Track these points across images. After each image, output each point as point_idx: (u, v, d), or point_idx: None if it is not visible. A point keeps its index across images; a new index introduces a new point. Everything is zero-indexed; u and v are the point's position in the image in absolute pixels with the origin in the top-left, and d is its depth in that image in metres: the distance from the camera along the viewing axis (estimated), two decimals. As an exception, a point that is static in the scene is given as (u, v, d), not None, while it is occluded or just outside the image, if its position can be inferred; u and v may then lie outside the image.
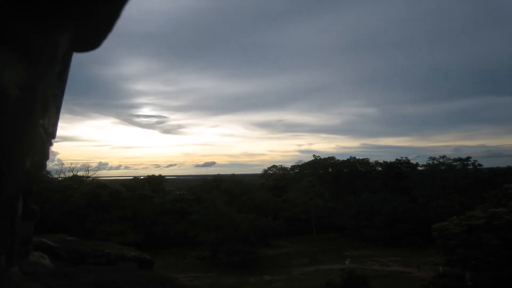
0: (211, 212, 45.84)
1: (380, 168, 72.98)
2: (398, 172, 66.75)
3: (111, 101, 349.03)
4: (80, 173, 61.76)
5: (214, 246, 42.43)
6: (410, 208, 51.49)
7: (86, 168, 64.93)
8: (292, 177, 75.64)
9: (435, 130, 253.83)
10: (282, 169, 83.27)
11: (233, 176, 71.80)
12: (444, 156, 64.09)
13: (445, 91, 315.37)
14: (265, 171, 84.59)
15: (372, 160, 78.13)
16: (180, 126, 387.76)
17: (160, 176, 68.24)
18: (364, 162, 77.55)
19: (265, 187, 70.67)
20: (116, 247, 5.27)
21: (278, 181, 75.49)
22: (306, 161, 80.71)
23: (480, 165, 62.20)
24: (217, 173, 74.73)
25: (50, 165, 64.25)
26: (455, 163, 62.45)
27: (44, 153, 2.71)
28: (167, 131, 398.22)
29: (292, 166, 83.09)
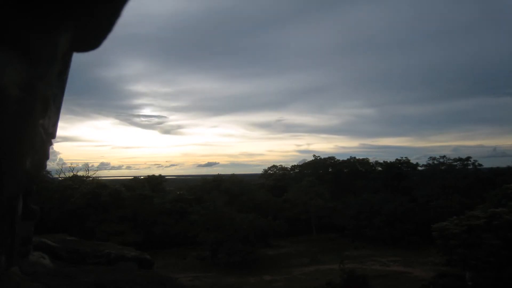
0: (211, 212, 45.84)
1: (380, 168, 72.99)
2: (398, 172, 66.75)
3: (112, 102, 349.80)
4: (80, 173, 61.84)
5: (214, 246, 42.43)
6: (410, 208, 51.48)
7: (87, 168, 64.97)
8: (292, 177, 75.63)
9: (434, 130, 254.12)
10: (282, 169, 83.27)
11: (233, 176, 71.79)
12: (444, 156, 64.16)
13: (444, 92, 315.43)
14: (265, 171, 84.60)
15: (371, 160, 78.35)
16: (179, 127, 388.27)
17: (160, 176, 68.25)
18: (364, 162, 77.57)
19: (265, 187, 70.67)
20: (116, 247, 5.27)
21: (278, 181, 75.49)
22: (306, 161, 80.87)
23: (480, 165, 62.24)
24: (217, 173, 74.82)
25: (52, 165, 64.29)
26: (455, 163, 62.46)
27: (44, 153, 2.71)
28: (167, 131, 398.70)
29: (292, 166, 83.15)
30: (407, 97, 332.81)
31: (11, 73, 1.30)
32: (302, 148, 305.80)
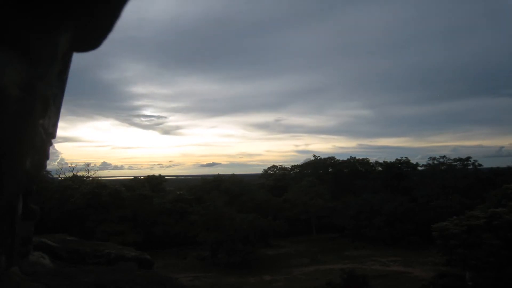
0: (211, 212, 45.84)
1: (380, 168, 72.98)
2: (398, 172, 66.75)
3: (112, 103, 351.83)
4: (80, 173, 61.82)
5: (214, 246, 42.43)
6: (410, 208, 51.47)
7: (87, 168, 64.93)
8: (292, 177, 75.64)
9: (432, 130, 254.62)
10: (282, 169, 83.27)
11: (233, 176, 71.78)
12: (444, 156, 64.15)
13: (443, 92, 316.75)
14: (265, 171, 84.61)
15: (371, 160, 78.36)
16: (179, 127, 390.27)
17: (160, 176, 68.21)
18: (364, 162, 77.59)
19: (265, 187, 70.67)
20: (116, 247, 5.27)
21: (278, 181, 75.50)
22: (306, 161, 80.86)
23: (480, 165, 62.21)
24: (217, 173, 74.80)
25: (54, 165, 64.37)
26: (455, 163, 62.44)
27: (44, 153, 2.71)
28: (166, 131, 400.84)
29: (292, 166, 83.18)
30: (405, 97, 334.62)
31: (11, 73, 1.30)
32: (301, 148, 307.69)
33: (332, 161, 76.97)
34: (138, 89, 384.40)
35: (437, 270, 33.23)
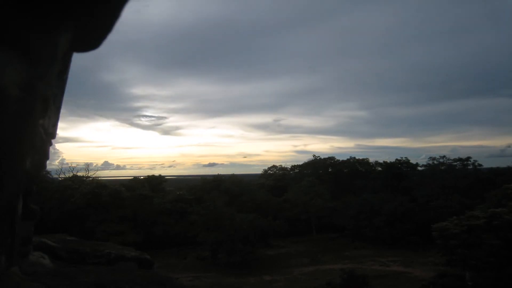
0: (211, 212, 45.83)
1: (380, 168, 72.98)
2: (398, 172, 66.74)
3: (113, 104, 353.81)
4: (80, 173, 61.80)
5: (214, 246, 42.42)
6: (410, 208, 51.45)
7: (87, 168, 64.92)
8: (292, 177, 75.62)
9: (430, 131, 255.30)
10: (282, 169, 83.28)
11: (233, 176, 71.76)
12: (444, 156, 64.16)
13: (440, 92, 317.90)
14: (265, 171, 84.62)
15: (370, 160, 78.35)
16: (179, 128, 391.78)
17: (160, 176, 68.19)
18: (364, 162, 77.58)
19: (265, 187, 70.64)
20: (116, 247, 5.26)
21: (278, 181, 75.47)
22: (306, 161, 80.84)
23: (480, 165, 62.22)
24: (217, 173, 74.78)
25: (55, 164, 64.44)
26: (455, 163, 62.44)
27: (44, 153, 2.71)
28: (166, 132, 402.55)
29: (292, 166, 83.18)
30: (403, 98, 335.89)
31: (11, 73, 1.30)
32: (299, 148, 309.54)
33: (332, 161, 76.95)
34: (138, 90, 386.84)
35: (437, 270, 33.21)
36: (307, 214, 57.71)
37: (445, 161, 63.37)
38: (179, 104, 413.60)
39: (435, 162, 63.97)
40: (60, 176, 60.03)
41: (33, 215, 3.12)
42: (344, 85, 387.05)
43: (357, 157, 78.42)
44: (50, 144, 3.00)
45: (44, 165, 2.79)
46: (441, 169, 61.94)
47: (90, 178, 60.11)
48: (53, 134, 2.98)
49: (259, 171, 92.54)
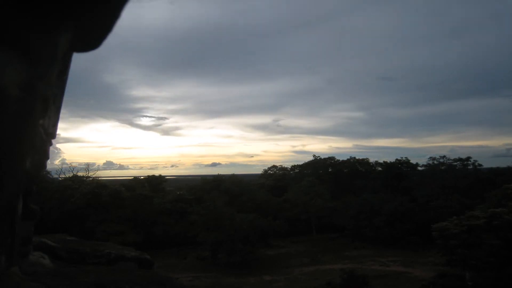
0: (211, 212, 45.82)
1: (380, 168, 72.97)
2: (398, 172, 66.73)
3: (113, 105, 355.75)
4: (80, 173, 61.80)
5: (214, 246, 42.41)
6: (410, 208, 51.45)
7: (87, 168, 64.89)
8: (292, 177, 75.62)
9: (428, 131, 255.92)
10: (282, 169, 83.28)
11: (233, 176, 71.76)
12: (444, 156, 64.16)
13: (438, 93, 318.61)
14: (265, 171, 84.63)
15: (370, 160, 78.31)
16: (178, 128, 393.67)
17: (160, 176, 68.19)
18: (364, 162, 77.57)
19: (265, 187, 70.64)
20: (116, 247, 5.26)
21: (278, 181, 75.48)
22: (306, 161, 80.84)
23: (480, 165, 62.22)
24: (216, 173, 74.78)
25: (56, 163, 64.57)
26: (455, 163, 62.43)
27: (44, 153, 2.71)
28: (166, 132, 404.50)
29: (292, 166, 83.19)
30: (401, 99, 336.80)
31: (11, 73, 1.30)
32: (298, 148, 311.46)
33: (332, 161, 76.93)
34: (138, 91, 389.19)
35: (437, 270, 33.22)
36: (307, 214, 57.71)
37: (445, 161, 63.38)
38: (179, 105, 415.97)
39: (435, 162, 63.98)
40: (60, 176, 60.06)
41: (33, 215, 3.12)
42: (342, 85, 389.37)
43: (356, 157, 78.53)
44: (50, 144, 3.00)
45: (44, 165, 2.79)
46: (441, 169, 61.95)
47: (90, 178, 60.12)
48: (53, 134, 2.98)
49: (259, 171, 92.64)
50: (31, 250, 3.52)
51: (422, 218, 47.59)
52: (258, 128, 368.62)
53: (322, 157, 78.24)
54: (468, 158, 61.66)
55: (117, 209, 47.65)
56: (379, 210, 51.12)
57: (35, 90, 1.49)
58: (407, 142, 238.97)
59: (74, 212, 47.12)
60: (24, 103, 1.42)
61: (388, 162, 70.98)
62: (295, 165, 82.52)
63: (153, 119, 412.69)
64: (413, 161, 70.27)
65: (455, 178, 56.52)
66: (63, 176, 60.01)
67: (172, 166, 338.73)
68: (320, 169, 74.90)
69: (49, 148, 2.92)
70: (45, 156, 2.78)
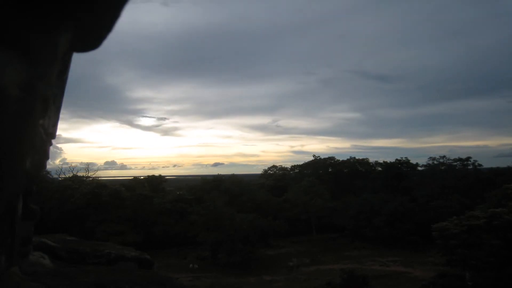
0: (211, 212, 45.81)
1: (380, 168, 72.95)
2: (398, 172, 66.71)
3: (114, 106, 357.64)
4: (80, 173, 61.79)
5: (214, 246, 42.41)
6: (410, 208, 51.44)
7: (87, 168, 64.88)
8: (292, 177, 75.59)
9: (427, 132, 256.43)
10: (282, 169, 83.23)
11: (233, 176, 71.74)
12: (444, 156, 64.14)
13: (437, 93, 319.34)
14: (265, 171, 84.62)
15: (370, 160, 78.28)
16: (178, 129, 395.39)
17: (160, 176, 68.19)
18: (364, 162, 77.54)
19: (265, 187, 70.62)
20: (116, 247, 5.26)
21: (278, 181, 75.45)
22: (306, 161, 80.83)
23: (480, 165, 62.20)
24: (216, 173, 74.79)
25: (58, 162, 64.65)
26: (455, 163, 62.41)
27: (44, 153, 2.71)
28: (166, 133, 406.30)
29: (292, 166, 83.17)
30: (399, 99, 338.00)
31: (11, 73, 1.30)
32: (296, 149, 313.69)
33: (332, 161, 76.90)
34: (138, 93, 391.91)
35: (437, 270, 33.21)
36: (307, 214, 57.68)
37: (445, 161, 63.36)
38: (179, 106, 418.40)
39: (435, 162, 63.96)
40: (60, 176, 60.04)
41: (33, 215, 3.12)
42: (340, 86, 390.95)
43: (356, 157, 78.50)
44: (50, 144, 3.00)
45: (44, 165, 2.79)
46: (441, 169, 61.93)
47: (90, 178, 60.12)
48: (53, 134, 2.98)
49: (259, 171, 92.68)
50: (31, 250, 3.51)
51: (422, 218, 47.57)
52: (257, 129, 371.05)
53: (321, 157, 78.30)
54: (468, 158, 61.66)
55: (117, 209, 47.65)
56: (379, 210, 51.10)
57: (35, 90, 1.49)
58: (405, 143, 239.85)
59: (74, 212, 47.12)
60: (24, 103, 1.42)
61: (388, 162, 71.02)
62: (295, 165, 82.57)
63: (153, 119, 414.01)
64: (412, 161, 70.40)
65: (455, 178, 56.51)
66: (63, 176, 60.02)
67: (174, 166, 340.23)
68: (320, 169, 74.88)
69: (49, 148, 2.92)
70: (45, 156, 2.78)
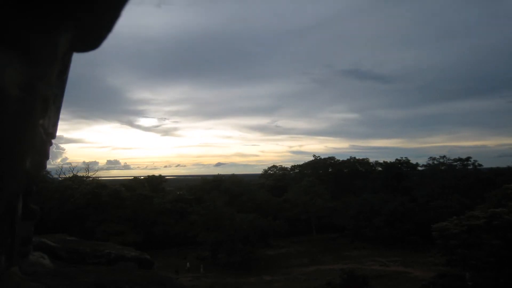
0: (211, 212, 45.80)
1: (380, 168, 72.93)
2: (398, 172, 66.69)
3: (114, 107, 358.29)
4: (80, 173, 61.75)
5: (214, 246, 42.40)
6: (410, 208, 51.42)
7: (87, 167, 64.84)
8: (292, 177, 75.59)
9: (425, 132, 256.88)
10: (282, 169, 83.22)
11: (233, 176, 71.74)
12: (444, 156, 64.11)
13: (436, 94, 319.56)
14: (265, 171, 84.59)
15: (370, 160, 78.24)
16: (178, 129, 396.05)
17: (160, 176, 68.17)
18: (364, 162, 77.52)
19: (265, 187, 70.62)
20: (116, 247, 5.26)
21: (278, 181, 75.45)
22: (305, 161, 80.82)
23: (480, 165, 62.17)
24: (216, 173, 74.77)
25: (59, 162, 64.69)
26: (455, 163, 62.39)
27: (44, 153, 2.71)
28: (166, 133, 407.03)
29: (292, 166, 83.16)
30: (397, 99, 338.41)
31: (11, 73, 1.30)
32: (295, 149, 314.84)
33: (332, 161, 76.87)
34: (138, 94, 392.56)
35: (437, 270, 33.19)
36: (307, 214, 57.68)
37: (445, 161, 63.34)
38: (178, 107, 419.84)
39: (435, 162, 63.94)
40: (60, 176, 60.02)
41: (33, 215, 3.12)
42: (338, 87, 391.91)
43: (356, 157, 78.47)
44: (50, 144, 3.00)
45: (44, 165, 2.79)
46: (441, 169, 61.90)
47: (90, 178, 60.09)
48: (53, 134, 2.98)
49: (259, 171, 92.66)
50: (31, 250, 3.51)
51: (422, 218, 47.55)
52: (256, 129, 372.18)
53: (321, 157, 78.28)
54: (468, 158, 61.63)
55: (117, 209, 47.64)
56: (379, 210, 51.09)
57: (35, 90, 1.49)
58: (404, 143, 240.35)
59: (74, 212, 47.10)
60: (24, 103, 1.42)
61: (388, 162, 70.98)
62: (295, 165, 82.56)
63: (153, 120, 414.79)
64: (412, 161, 70.39)
65: (455, 178, 56.49)
66: (63, 176, 60.00)
67: (177, 166, 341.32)
68: (320, 169, 74.86)
69: (49, 148, 2.92)
70: (45, 156, 2.78)
